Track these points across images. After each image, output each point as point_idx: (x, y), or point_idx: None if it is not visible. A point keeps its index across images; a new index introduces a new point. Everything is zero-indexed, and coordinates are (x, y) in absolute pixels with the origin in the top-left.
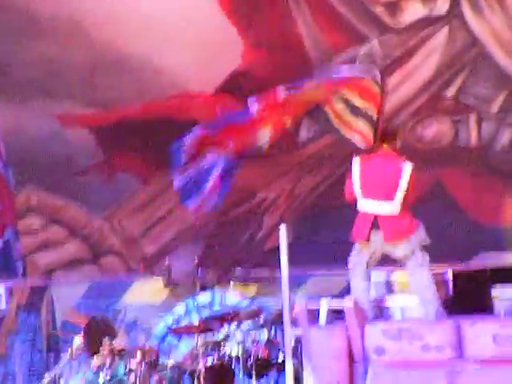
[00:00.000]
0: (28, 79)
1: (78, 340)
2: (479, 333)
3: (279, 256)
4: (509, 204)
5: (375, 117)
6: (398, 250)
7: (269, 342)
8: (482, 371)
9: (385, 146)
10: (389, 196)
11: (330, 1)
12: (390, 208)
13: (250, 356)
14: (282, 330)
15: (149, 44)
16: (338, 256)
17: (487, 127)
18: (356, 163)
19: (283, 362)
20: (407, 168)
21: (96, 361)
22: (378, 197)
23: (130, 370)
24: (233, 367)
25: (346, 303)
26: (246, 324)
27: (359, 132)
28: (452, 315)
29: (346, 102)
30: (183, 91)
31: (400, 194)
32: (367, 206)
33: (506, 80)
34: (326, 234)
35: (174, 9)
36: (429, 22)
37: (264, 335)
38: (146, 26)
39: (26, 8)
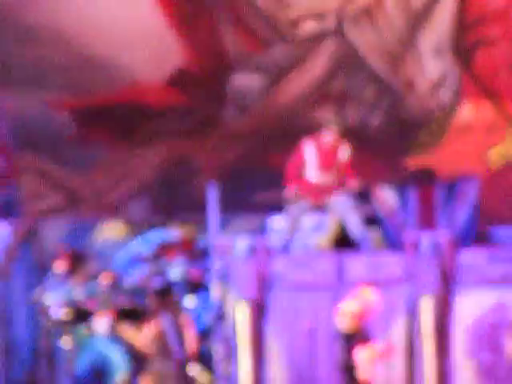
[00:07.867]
0: (26, 76)
1: (61, 265)
2: (356, 262)
3: None
4: None
5: None
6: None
7: (206, 269)
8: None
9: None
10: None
11: (244, 15)
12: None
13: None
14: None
15: (112, 46)
16: None
17: None
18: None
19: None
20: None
21: (75, 280)
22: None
23: (100, 290)
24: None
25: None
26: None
27: None
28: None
29: None
30: (137, 83)
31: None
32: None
33: None
34: None
35: (129, 17)
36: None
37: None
38: (110, 31)
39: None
